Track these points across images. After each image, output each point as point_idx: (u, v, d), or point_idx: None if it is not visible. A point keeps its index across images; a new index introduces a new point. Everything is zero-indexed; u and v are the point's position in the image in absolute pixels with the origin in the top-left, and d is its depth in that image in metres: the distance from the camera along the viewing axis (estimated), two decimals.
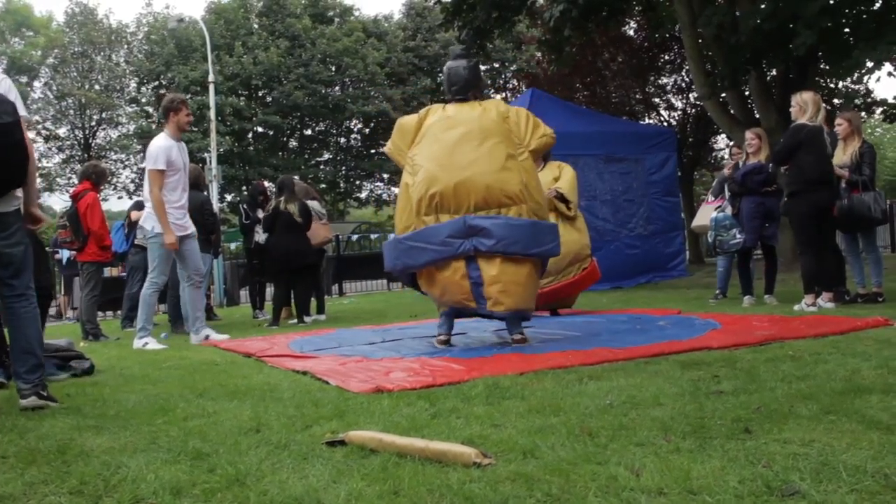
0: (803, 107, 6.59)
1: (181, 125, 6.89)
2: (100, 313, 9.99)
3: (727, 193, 8.00)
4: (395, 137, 5.53)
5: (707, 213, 8.30)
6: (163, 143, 6.72)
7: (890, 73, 13.35)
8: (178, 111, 6.84)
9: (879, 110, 16.82)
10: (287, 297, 9.09)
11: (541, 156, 5.89)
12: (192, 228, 6.97)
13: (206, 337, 6.88)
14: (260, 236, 9.42)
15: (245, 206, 10.46)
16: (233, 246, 17.69)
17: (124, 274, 11.59)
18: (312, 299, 9.54)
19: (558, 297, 7.37)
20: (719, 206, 7.88)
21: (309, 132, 37.41)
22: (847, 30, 11.14)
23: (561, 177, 7.28)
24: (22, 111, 3.64)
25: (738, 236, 7.48)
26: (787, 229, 8.69)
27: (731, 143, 9.67)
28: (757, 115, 12.88)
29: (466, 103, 5.31)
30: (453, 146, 5.08)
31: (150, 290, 6.80)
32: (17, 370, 3.72)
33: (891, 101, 14.81)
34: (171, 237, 6.60)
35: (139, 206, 9.63)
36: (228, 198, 33.42)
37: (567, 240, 6.78)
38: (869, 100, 17.15)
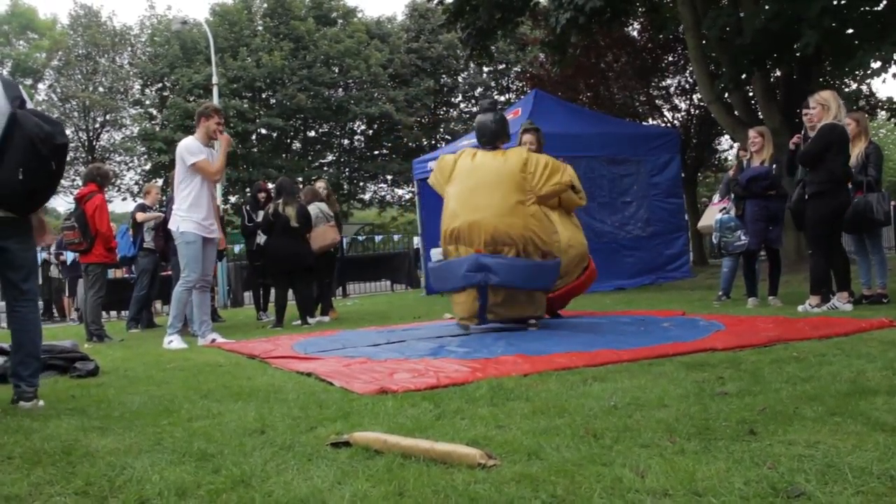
0: (826, 105, 6.49)
1: (210, 132, 7.02)
2: (104, 314, 10.01)
3: (731, 195, 8.01)
4: (436, 172, 6.65)
5: (713, 214, 8.30)
6: (191, 142, 6.95)
7: (895, 75, 13.31)
8: (209, 118, 7.00)
9: (882, 113, 16.75)
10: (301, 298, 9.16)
11: (554, 197, 6.45)
12: (216, 233, 7.12)
13: (213, 340, 6.90)
14: (261, 238, 9.44)
15: (247, 209, 10.46)
16: (236, 248, 17.70)
17: (128, 276, 11.63)
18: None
19: (565, 301, 7.30)
20: (724, 208, 7.87)
21: (312, 134, 37.41)
22: (851, 31, 11.12)
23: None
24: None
25: (743, 238, 7.48)
26: (790, 230, 8.67)
27: (738, 146, 9.64)
28: (761, 116, 12.86)
29: (492, 151, 6.30)
30: (473, 189, 6.13)
31: (182, 287, 6.94)
32: (19, 373, 3.73)
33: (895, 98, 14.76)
34: (227, 138, 7.06)
35: (143, 208, 9.65)
36: (232, 199, 33.45)
37: (576, 240, 6.88)
38: (872, 101, 17.10)
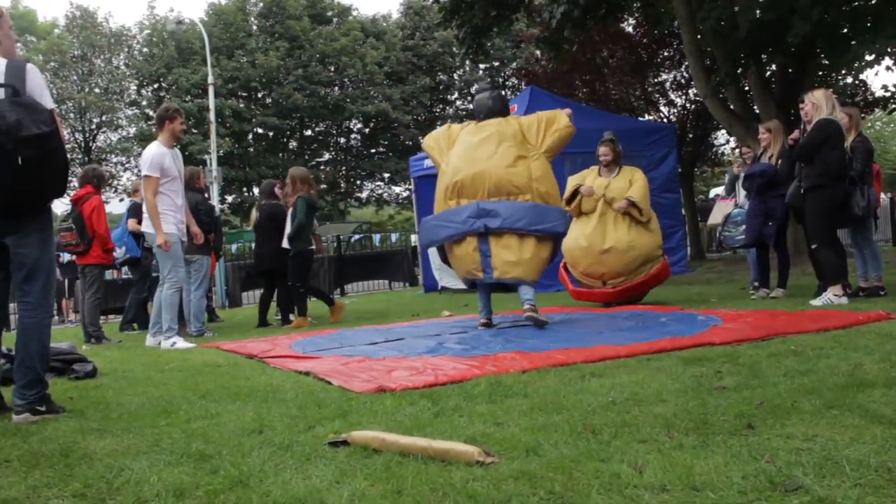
0: (817, 104, 6.54)
1: (175, 133, 7.07)
2: (101, 316, 9.99)
3: (738, 190, 8.08)
4: (439, 135, 6.72)
5: (721, 211, 8.35)
6: (156, 151, 6.92)
7: (888, 68, 13.30)
8: (172, 120, 7.03)
9: (878, 111, 16.65)
10: (280, 300, 9.22)
11: (561, 149, 6.51)
12: (185, 236, 7.13)
13: (159, 344, 6.87)
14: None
15: None
16: (233, 247, 17.68)
17: (125, 277, 11.61)
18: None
19: (629, 294, 7.67)
20: (737, 204, 7.89)
21: (309, 133, 37.43)
22: (846, 24, 11.11)
23: (633, 183, 7.59)
24: (51, 104, 3.54)
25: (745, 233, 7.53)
26: (790, 224, 8.63)
27: (734, 140, 9.64)
28: (756, 111, 12.85)
29: (489, 121, 6.37)
30: (476, 146, 6.24)
31: (170, 290, 6.91)
32: (16, 381, 3.57)
33: (891, 88, 14.69)
34: (162, 237, 6.78)
35: (136, 207, 9.58)
36: (229, 199, 33.43)
37: (639, 242, 7.46)
38: (869, 96, 17.05)
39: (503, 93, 6.88)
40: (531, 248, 6.06)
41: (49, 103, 3.51)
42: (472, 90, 37.74)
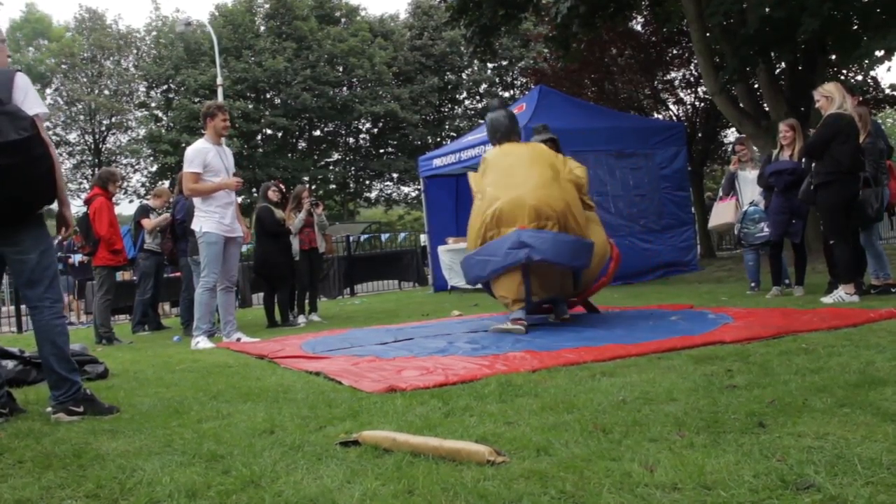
0: (830, 97, 6.53)
1: (218, 130, 6.97)
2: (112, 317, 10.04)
3: (739, 188, 8.02)
4: (475, 175, 6.40)
5: (721, 212, 8.25)
6: (199, 147, 6.88)
7: None
8: (213, 116, 6.94)
9: (888, 109, 16.59)
10: (273, 300, 9.26)
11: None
12: (238, 232, 7.08)
13: (238, 339, 6.90)
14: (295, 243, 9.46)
15: None
16: (244, 249, 17.73)
17: (134, 279, 11.66)
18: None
19: (590, 295, 7.08)
20: (752, 201, 7.82)
21: (317, 133, 37.48)
22: (856, 20, 11.06)
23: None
24: (40, 108, 3.53)
25: (765, 230, 7.48)
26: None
27: (735, 141, 9.45)
28: (766, 108, 12.81)
29: (513, 143, 6.32)
30: (508, 170, 6.03)
31: (202, 289, 6.91)
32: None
33: None
34: (230, 182, 6.90)
35: (146, 209, 9.64)
36: (239, 200, 33.50)
37: (601, 241, 6.66)
38: (880, 94, 16.97)
39: (513, 112, 6.71)
40: (560, 275, 6.04)
41: (34, 108, 3.49)
42: (481, 102, 37.76)
